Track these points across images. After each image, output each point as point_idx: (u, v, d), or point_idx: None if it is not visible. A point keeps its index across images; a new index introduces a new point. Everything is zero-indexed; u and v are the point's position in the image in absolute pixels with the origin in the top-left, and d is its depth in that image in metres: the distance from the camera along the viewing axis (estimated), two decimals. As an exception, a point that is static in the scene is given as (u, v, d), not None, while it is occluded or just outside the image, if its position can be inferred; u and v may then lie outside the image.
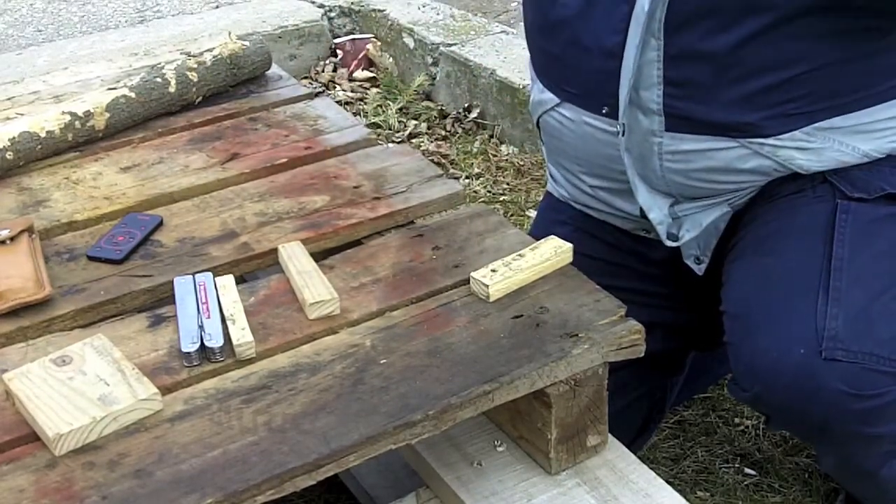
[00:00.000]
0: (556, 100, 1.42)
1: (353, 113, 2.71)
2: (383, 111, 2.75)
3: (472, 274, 1.20)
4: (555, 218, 1.55)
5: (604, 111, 1.34)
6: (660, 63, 1.26)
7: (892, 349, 1.17)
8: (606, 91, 1.31)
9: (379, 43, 2.99)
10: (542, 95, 1.46)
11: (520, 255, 1.23)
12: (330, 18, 3.04)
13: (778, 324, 1.20)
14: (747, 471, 1.64)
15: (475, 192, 2.39)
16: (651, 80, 1.27)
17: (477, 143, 2.62)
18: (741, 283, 1.29)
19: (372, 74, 2.97)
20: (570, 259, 1.25)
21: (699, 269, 1.42)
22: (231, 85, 1.68)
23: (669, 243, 1.40)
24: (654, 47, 1.25)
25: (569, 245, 1.25)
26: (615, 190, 1.42)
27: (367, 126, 2.37)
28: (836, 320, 1.17)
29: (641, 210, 1.38)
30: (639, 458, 1.18)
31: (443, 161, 2.53)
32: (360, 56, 2.99)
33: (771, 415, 1.31)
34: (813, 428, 1.25)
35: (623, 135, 1.32)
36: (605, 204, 1.46)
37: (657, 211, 1.37)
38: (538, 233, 1.35)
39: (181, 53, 1.72)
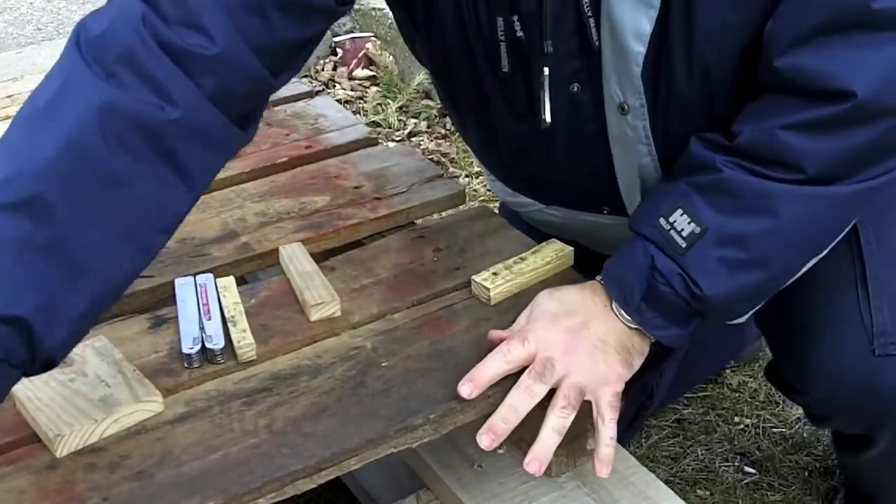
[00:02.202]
0: (540, 205, 1.35)
1: (353, 111, 2.71)
2: (383, 110, 2.75)
3: (474, 277, 1.20)
4: None
5: (605, 211, 1.28)
6: (656, 164, 1.17)
7: None
8: (603, 198, 1.25)
9: (379, 41, 2.98)
10: (517, 199, 1.38)
11: (521, 258, 1.23)
12: (330, 16, 3.03)
13: (825, 328, 1.17)
14: (747, 469, 1.64)
15: (475, 190, 2.39)
16: (651, 178, 1.19)
17: (477, 142, 2.61)
18: (779, 299, 1.22)
19: (372, 73, 2.97)
20: (571, 262, 1.25)
21: None
22: (231, 84, 1.68)
23: None
24: (645, 153, 1.17)
25: (570, 248, 1.25)
26: None
27: (367, 125, 2.37)
28: (882, 313, 1.14)
29: None
30: (638, 457, 1.18)
31: (442, 160, 2.53)
32: (359, 54, 2.98)
33: (825, 416, 1.28)
34: (868, 424, 1.22)
35: None
36: None
37: None
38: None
39: (181, 53, 1.71)
